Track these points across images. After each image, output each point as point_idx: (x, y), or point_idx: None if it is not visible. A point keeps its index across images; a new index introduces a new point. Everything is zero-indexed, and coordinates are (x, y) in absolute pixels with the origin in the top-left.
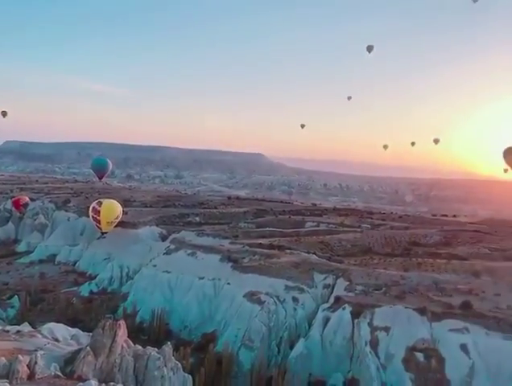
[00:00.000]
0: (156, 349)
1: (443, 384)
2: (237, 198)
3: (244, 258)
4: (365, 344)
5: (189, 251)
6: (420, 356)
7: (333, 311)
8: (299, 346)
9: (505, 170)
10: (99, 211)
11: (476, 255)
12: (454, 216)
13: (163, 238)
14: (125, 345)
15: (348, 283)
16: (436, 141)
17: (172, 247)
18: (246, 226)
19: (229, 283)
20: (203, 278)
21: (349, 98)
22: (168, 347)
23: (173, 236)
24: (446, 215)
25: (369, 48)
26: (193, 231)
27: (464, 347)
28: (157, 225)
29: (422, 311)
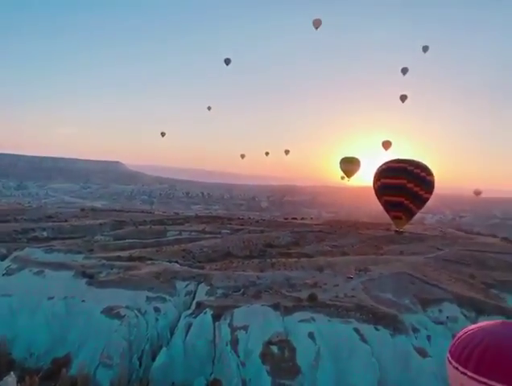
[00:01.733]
0: None
1: (295, 371)
2: (93, 209)
3: (101, 273)
4: (226, 345)
5: (35, 269)
6: (275, 349)
7: (195, 317)
8: (161, 355)
9: (342, 177)
10: None
11: (320, 252)
12: (302, 219)
13: (2, 257)
14: None
15: (209, 287)
16: (287, 152)
17: (14, 266)
18: (103, 239)
19: (83, 300)
20: (53, 298)
21: (209, 108)
22: (12, 378)
23: (15, 254)
24: (296, 219)
25: (227, 61)
26: (40, 247)
27: (311, 335)
28: None
29: (276, 307)
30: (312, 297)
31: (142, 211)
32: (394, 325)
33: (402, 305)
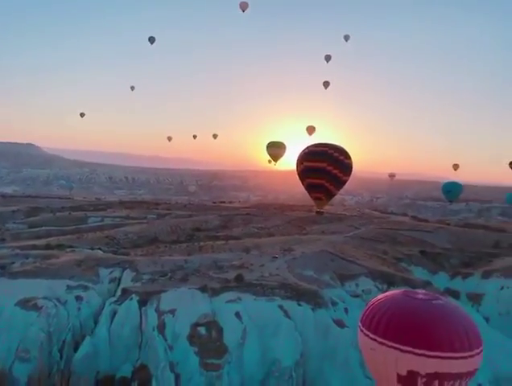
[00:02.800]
0: None
1: (222, 350)
2: (3, 196)
3: (14, 263)
4: (153, 330)
5: None
6: (202, 330)
7: (120, 304)
8: (84, 345)
9: (269, 161)
10: None
11: (247, 234)
12: (230, 202)
13: None
14: None
15: (135, 274)
16: (215, 136)
17: None
18: (16, 227)
19: None
20: None
21: (132, 88)
22: None
23: None
24: (224, 202)
25: (151, 39)
26: None
27: (237, 315)
28: None
29: (203, 289)
30: (239, 278)
31: (60, 197)
32: (315, 300)
33: (323, 281)
